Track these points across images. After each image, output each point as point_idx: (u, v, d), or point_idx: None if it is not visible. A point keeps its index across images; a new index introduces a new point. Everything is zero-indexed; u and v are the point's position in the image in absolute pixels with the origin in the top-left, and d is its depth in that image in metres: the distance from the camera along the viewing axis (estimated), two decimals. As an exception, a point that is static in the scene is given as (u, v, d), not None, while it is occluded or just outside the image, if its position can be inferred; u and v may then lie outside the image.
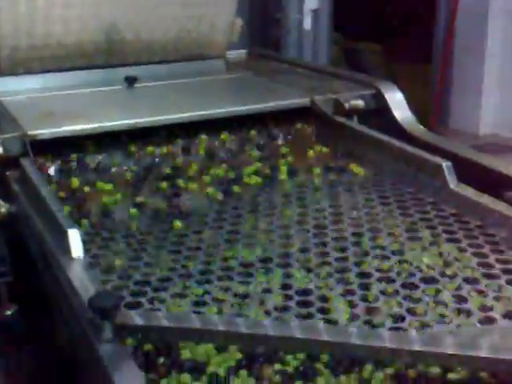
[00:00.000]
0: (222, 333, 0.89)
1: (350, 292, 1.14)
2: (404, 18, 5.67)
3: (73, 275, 1.09)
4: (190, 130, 1.80)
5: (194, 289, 1.15)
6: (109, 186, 1.59)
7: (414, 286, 1.16)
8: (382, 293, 1.13)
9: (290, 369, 0.95)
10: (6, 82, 2.00)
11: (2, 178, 1.53)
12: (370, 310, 1.08)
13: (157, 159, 1.74)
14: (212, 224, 1.43)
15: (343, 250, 1.29)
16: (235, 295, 1.13)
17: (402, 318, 1.06)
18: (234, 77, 2.24)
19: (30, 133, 1.59)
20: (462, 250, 1.28)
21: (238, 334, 0.88)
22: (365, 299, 1.12)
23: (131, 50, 2.14)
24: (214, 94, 2.04)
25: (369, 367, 0.93)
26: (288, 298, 1.13)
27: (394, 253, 1.28)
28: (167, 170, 1.70)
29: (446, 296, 1.12)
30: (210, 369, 0.94)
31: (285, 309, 1.09)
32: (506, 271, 1.20)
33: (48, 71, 2.05)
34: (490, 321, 1.05)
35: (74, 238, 1.16)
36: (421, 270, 1.21)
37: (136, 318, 0.92)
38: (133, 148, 1.74)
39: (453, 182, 1.48)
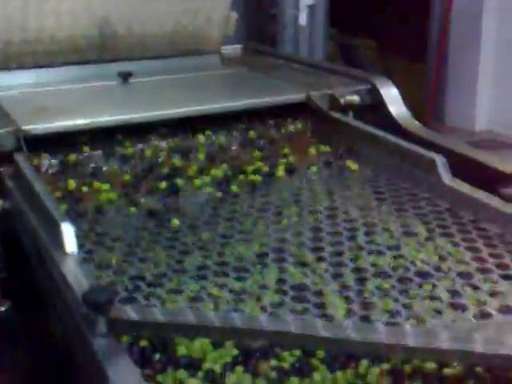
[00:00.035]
0: (217, 328, 0.88)
1: (346, 287, 1.14)
2: (399, 14, 5.67)
3: (66, 270, 1.08)
4: (183, 126, 1.79)
5: (189, 284, 1.15)
6: (106, 186, 1.57)
7: (409, 281, 1.16)
8: (378, 288, 1.13)
9: (286, 365, 0.95)
10: (-1, 77, 1.99)
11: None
12: (366, 306, 1.08)
13: (151, 155, 1.74)
14: (208, 220, 1.42)
15: (339, 245, 1.29)
16: (231, 291, 1.13)
17: (398, 313, 1.06)
18: (229, 72, 2.23)
19: (23, 128, 1.58)
20: (455, 245, 1.28)
21: (233, 329, 0.87)
22: (360, 294, 1.12)
23: (125, 44, 2.12)
24: (209, 90, 2.03)
25: (365, 363, 0.93)
26: (283, 293, 1.12)
27: (389, 248, 1.28)
28: (164, 167, 1.69)
29: (441, 291, 1.13)
30: (206, 365, 0.94)
31: (280, 304, 1.09)
32: (499, 266, 1.20)
33: (41, 66, 2.04)
34: (484, 315, 1.06)
35: (68, 232, 1.15)
36: (415, 265, 1.21)
37: (130, 313, 0.92)
38: (127, 144, 1.73)
39: (447, 178, 1.48)
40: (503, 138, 3.92)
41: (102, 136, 1.70)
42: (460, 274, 1.18)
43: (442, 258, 1.24)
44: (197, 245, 1.30)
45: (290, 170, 1.70)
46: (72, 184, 1.57)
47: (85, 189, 1.56)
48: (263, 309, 1.07)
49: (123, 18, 2.08)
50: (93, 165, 1.67)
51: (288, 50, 3.31)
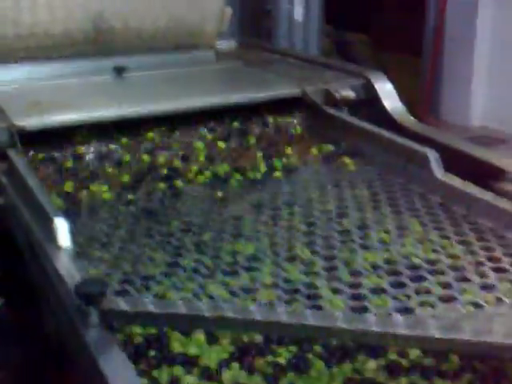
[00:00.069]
0: (210, 318, 0.89)
1: (340, 281, 1.14)
2: (394, 9, 5.67)
3: (59, 264, 1.08)
4: (178, 121, 1.79)
5: (184, 281, 1.15)
6: (104, 188, 1.56)
7: (402, 275, 1.16)
8: (371, 282, 1.14)
9: (282, 360, 0.95)
10: (-8, 72, 1.98)
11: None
12: (359, 299, 1.09)
13: (144, 149, 1.73)
14: (204, 217, 1.42)
15: (332, 240, 1.30)
16: (226, 287, 1.13)
17: (390, 306, 1.06)
18: (224, 67, 2.23)
19: (17, 123, 1.57)
20: (448, 239, 1.28)
21: (225, 319, 0.88)
22: (354, 288, 1.12)
23: (119, 39, 2.12)
24: (204, 84, 2.02)
25: (361, 358, 0.94)
26: (277, 288, 1.13)
27: (381, 242, 1.28)
28: (158, 161, 1.69)
29: (433, 284, 1.13)
30: (202, 362, 0.94)
31: (275, 299, 1.09)
32: (490, 259, 1.21)
33: (35, 61, 2.03)
34: (475, 307, 1.06)
35: (61, 226, 1.15)
36: (408, 259, 1.21)
37: (122, 304, 0.92)
38: (122, 139, 1.72)
39: (440, 172, 1.49)
40: (497, 133, 3.93)
41: (97, 131, 1.69)
42: (452, 268, 1.19)
43: (434, 252, 1.24)
44: (194, 242, 1.30)
45: (285, 167, 1.70)
46: (68, 186, 1.56)
47: (78, 186, 1.56)
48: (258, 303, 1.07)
49: (118, 13, 2.08)
50: (86, 160, 1.66)
51: (283, 45, 3.31)
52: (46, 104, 1.74)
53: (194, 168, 1.67)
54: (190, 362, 0.94)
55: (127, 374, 0.85)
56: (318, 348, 0.96)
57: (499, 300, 1.08)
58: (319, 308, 1.06)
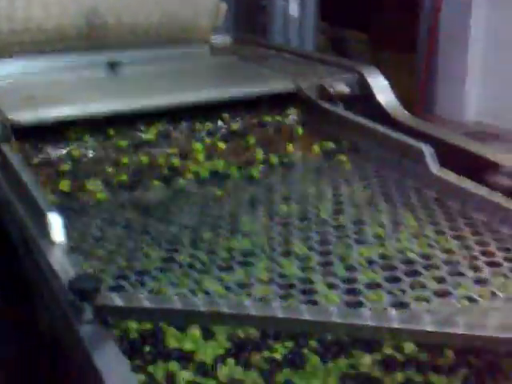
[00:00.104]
0: (205, 313, 0.88)
1: (334, 275, 1.14)
2: (394, 8, 5.68)
3: (53, 259, 1.08)
4: (172, 116, 1.78)
5: (180, 276, 1.14)
6: (101, 191, 1.55)
7: (397, 270, 1.16)
8: (366, 277, 1.14)
9: (278, 356, 0.95)
10: (-13, 67, 1.97)
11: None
12: (354, 294, 1.09)
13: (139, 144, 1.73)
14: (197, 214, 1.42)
15: (328, 235, 1.29)
16: (222, 282, 1.13)
17: (385, 300, 1.06)
18: (218, 62, 2.22)
19: (11, 117, 1.56)
20: (443, 233, 1.29)
21: (221, 315, 0.87)
22: (349, 283, 1.12)
23: (113, 34, 2.11)
24: (199, 79, 2.02)
25: (357, 353, 0.94)
26: (273, 283, 1.13)
27: (376, 237, 1.28)
28: (154, 156, 1.68)
29: (428, 278, 1.13)
30: (198, 357, 0.94)
31: (270, 294, 1.09)
32: (484, 253, 1.21)
33: (29, 56, 2.01)
34: (470, 301, 1.06)
35: (55, 221, 1.15)
36: (403, 254, 1.22)
37: (117, 300, 0.91)
38: (113, 133, 1.71)
39: (435, 167, 1.49)
40: (492, 128, 3.94)
41: (90, 125, 1.68)
42: (447, 262, 1.19)
43: (429, 247, 1.24)
44: (189, 237, 1.30)
45: (280, 162, 1.70)
46: (64, 185, 1.55)
47: (72, 182, 1.55)
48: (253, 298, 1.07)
49: (112, 8, 2.06)
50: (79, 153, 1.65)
51: (278, 41, 3.30)
52: (41, 98, 1.73)
53: (191, 165, 1.66)
54: (185, 358, 0.94)
55: (122, 369, 0.85)
56: (313, 343, 0.96)
57: (493, 294, 1.08)
58: (315, 303, 1.06)
